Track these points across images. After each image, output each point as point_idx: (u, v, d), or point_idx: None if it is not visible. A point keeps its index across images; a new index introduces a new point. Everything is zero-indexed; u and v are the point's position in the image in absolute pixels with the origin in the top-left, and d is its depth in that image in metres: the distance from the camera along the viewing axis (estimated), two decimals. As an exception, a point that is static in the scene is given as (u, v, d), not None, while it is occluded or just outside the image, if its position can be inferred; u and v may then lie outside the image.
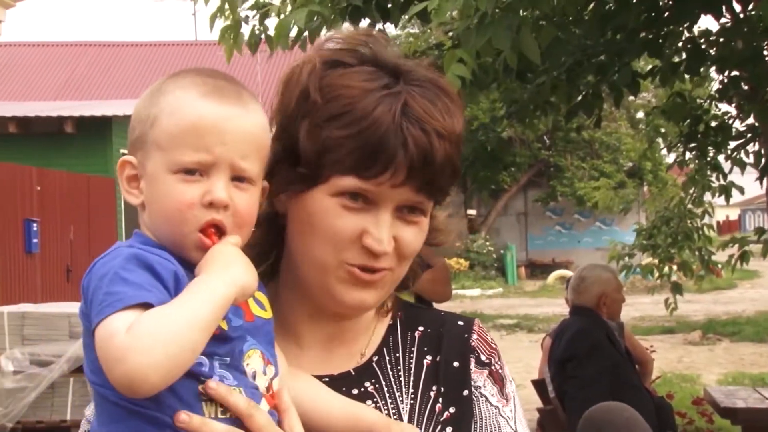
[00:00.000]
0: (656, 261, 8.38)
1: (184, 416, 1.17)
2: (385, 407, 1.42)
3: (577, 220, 29.50)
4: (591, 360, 4.95)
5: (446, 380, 1.46)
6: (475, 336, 1.51)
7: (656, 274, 8.36)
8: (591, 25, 5.67)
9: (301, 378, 1.36)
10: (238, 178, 1.26)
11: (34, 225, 12.64)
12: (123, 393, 1.13)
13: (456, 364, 1.47)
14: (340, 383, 1.41)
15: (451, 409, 1.44)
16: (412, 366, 1.46)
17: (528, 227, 29.85)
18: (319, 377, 1.40)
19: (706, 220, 8.64)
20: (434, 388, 1.45)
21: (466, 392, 1.45)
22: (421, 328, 1.50)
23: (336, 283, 1.35)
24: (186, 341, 1.13)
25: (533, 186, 29.31)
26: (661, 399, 5.58)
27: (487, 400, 1.47)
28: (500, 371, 1.52)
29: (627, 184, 27.93)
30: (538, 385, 5.84)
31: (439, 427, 1.42)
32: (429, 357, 1.47)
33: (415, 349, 1.48)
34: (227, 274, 1.19)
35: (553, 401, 5.32)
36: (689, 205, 8.43)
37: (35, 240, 12.67)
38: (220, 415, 1.21)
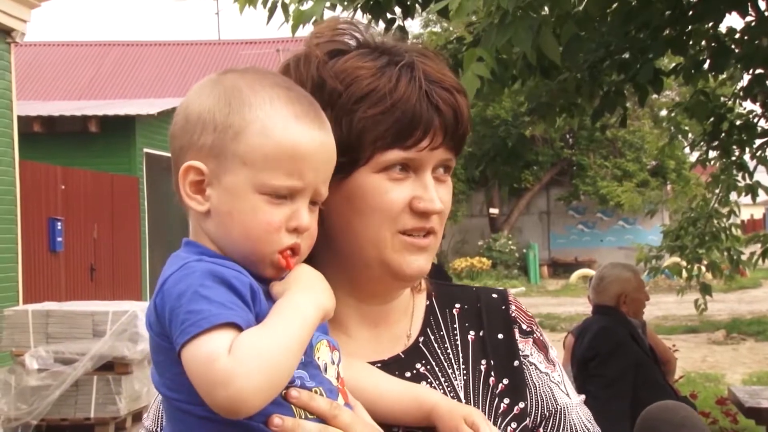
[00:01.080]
0: (683, 261, 8.34)
1: (277, 420, 1.19)
2: (440, 387, 1.44)
3: (600, 219, 29.39)
4: (614, 358, 4.92)
5: (494, 353, 1.49)
6: (513, 307, 1.55)
7: (684, 275, 8.32)
8: (614, 22, 5.63)
9: (357, 366, 1.37)
10: (314, 202, 1.28)
11: (59, 224, 12.72)
12: (222, 414, 1.14)
13: (500, 336, 1.51)
14: (392, 368, 1.43)
15: (505, 381, 1.47)
16: (458, 343, 1.49)
17: (550, 226, 29.77)
18: (371, 363, 1.42)
19: (733, 219, 8.59)
20: (483, 362, 1.47)
21: (516, 363, 1.49)
22: (458, 305, 1.53)
23: (393, 254, 1.38)
24: (284, 365, 1.15)
25: (556, 185, 29.23)
26: (685, 399, 5.55)
27: (536, 368, 1.51)
28: (542, 338, 1.56)
29: (650, 183, 27.79)
30: (561, 384, 5.82)
31: (497, 399, 1.45)
32: (472, 332, 1.50)
33: (457, 326, 1.51)
34: (314, 297, 1.22)
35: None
36: (715, 205, 8.37)
37: (59, 239, 12.75)
38: (309, 415, 1.23)
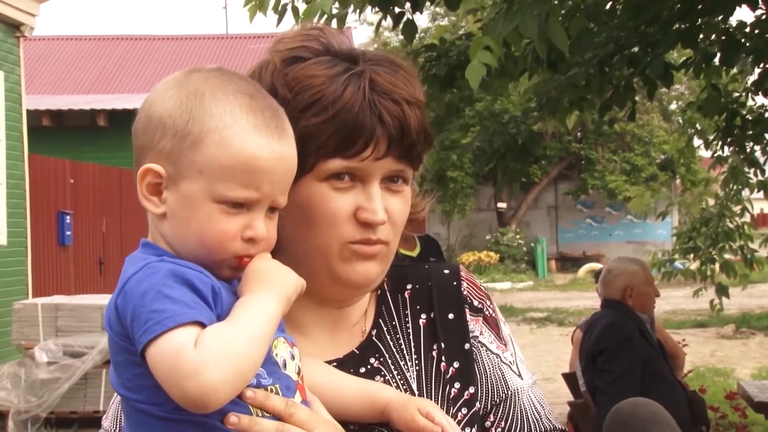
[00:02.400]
0: (698, 264, 8.31)
1: (233, 418, 1.20)
2: (393, 380, 1.44)
3: (608, 213, 29.33)
4: (622, 353, 4.91)
5: (445, 335, 1.49)
6: (464, 284, 1.54)
7: (697, 278, 8.30)
8: (624, 16, 5.61)
9: (313, 365, 1.38)
10: (272, 209, 1.29)
11: (68, 217, 12.74)
12: (188, 408, 1.14)
13: (451, 316, 1.51)
14: (347, 365, 1.44)
15: (456, 364, 1.47)
16: (410, 330, 1.49)
17: (558, 220, 29.73)
18: (328, 362, 1.43)
19: (745, 217, 8.56)
20: (435, 347, 1.48)
21: (467, 345, 1.49)
22: (409, 287, 1.54)
23: (340, 263, 1.39)
24: (250, 355, 1.16)
25: (564, 179, 29.16)
26: (694, 393, 5.53)
27: (487, 348, 1.51)
28: (494, 314, 1.55)
29: (659, 177, 27.70)
30: (569, 378, 5.81)
31: (447, 385, 1.45)
32: (423, 315, 1.51)
33: (409, 312, 1.51)
34: (275, 290, 1.22)
35: (584, 395, 5.29)
36: (727, 203, 8.34)
37: (68, 232, 12.77)
38: (266, 413, 1.23)
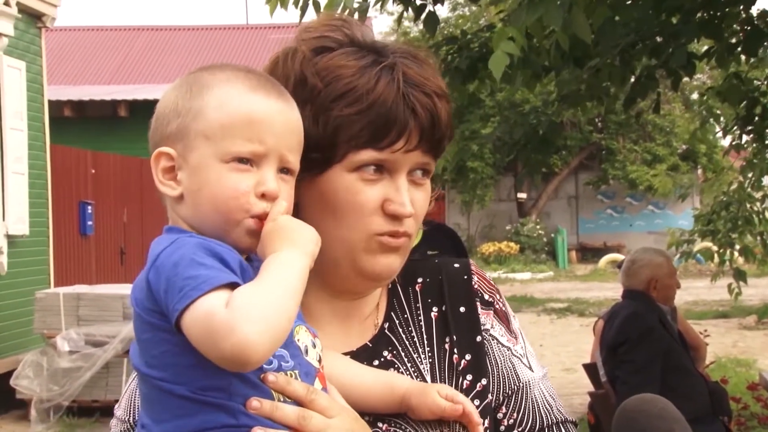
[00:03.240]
0: (715, 246, 8.28)
1: (255, 402, 1.20)
2: (407, 372, 1.45)
3: (629, 203, 29.19)
4: (643, 344, 4.89)
5: (457, 328, 1.49)
6: (475, 278, 1.55)
7: (716, 260, 8.26)
8: (646, 6, 5.57)
9: (329, 356, 1.38)
10: (284, 170, 1.29)
11: (89, 207, 12.81)
12: (229, 367, 1.15)
13: (462, 309, 1.51)
14: (360, 357, 1.44)
15: (467, 356, 1.48)
16: (422, 323, 1.50)
17: (579, 211, 29.61)
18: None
19: (766, 203, 8.51)
20: (447, 339, 1.48)
21: (478, 338, 1.49)
22: (420, 280, 1.54)
23: (365, 255, 1.39)
24: (284, 309, 1.16)
25: (584, 169, 29.04)
26: (716, 384, 5.51)
27: (498, 341, 1.52)
28: (504, 308, 1.56)
29: (680, 167, 27.54)
30: (590, 369, 5.80)
31: (460, 377, 1.46)
32: (435, 308, 1.51)
33: (420, 305, 1.52)
34: (298, 245, 1.22)
35: (604, 385, 5.28)
36: (749, 190, 8.29)
37: (90, 222, 12.84)
38: (287, 398, 1.24)
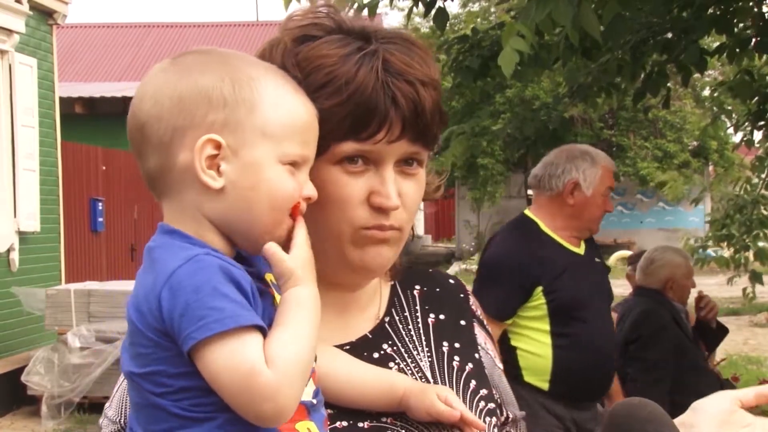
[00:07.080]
0: (730, 251, 8.22)
1: None
2: (407, 368, 1.44)
3: (640, 200, 29.11)
4: (655, 342, 4.88)
5: (457, 337, 1.50)
6: (471, 298, 1.58)
7: (731, 266, 8.21)
8: (657, 1, 5.55)
9: (329, 353, 1.37)
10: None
11: (100, 204, 12.85)
12: (261, 424, 1.15)
13: (463, 322, 1.53)
14: (359, 349, 1.43)
15: (469, 365, 1.48)
16: (420, 324, 1.50)
17: (590, 207, 29.51)
18: (340, 346, 1.42)
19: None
20: (445, 344, 1.48)
21: (477, 355, 1.51)
22: (417, 287, 1.54)
23: (352, 248, 1.37)
24: (310, 365, 1.20)
25: (595, 166, 28.93)
26: (727, 381, 5.49)
27: (492, 359, 1.55)
28: (483, 320, 1.59)
29: (691, 164, 27.44)
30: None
31: (464, 380, 1.46)
32: (432, 315, 1.51)
33: (418, 308, 1.52)
34: (313, 288, 1.22)
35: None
36: (763, 191, 8.24)
37: (100, 219, 12.88)
38: None
